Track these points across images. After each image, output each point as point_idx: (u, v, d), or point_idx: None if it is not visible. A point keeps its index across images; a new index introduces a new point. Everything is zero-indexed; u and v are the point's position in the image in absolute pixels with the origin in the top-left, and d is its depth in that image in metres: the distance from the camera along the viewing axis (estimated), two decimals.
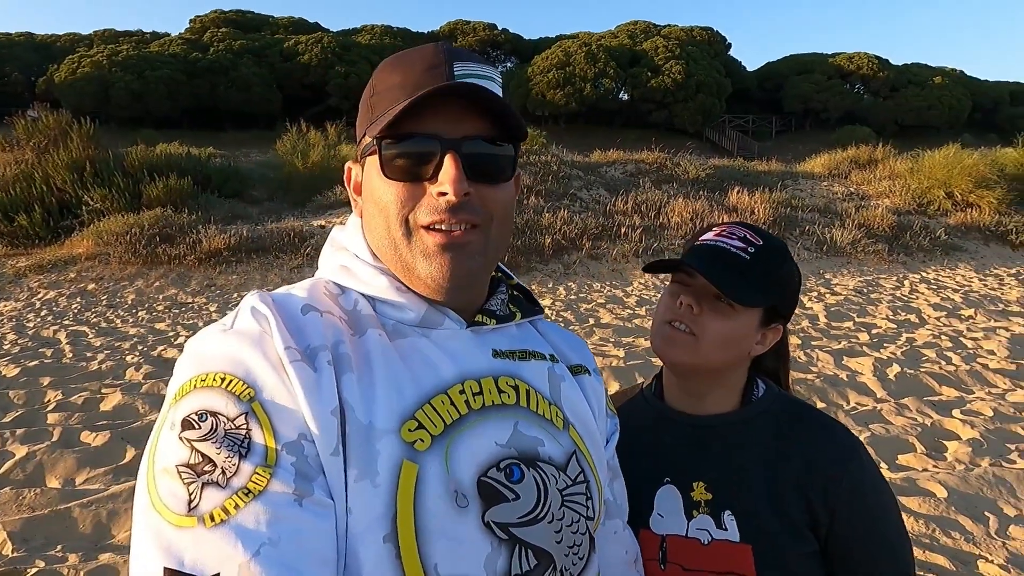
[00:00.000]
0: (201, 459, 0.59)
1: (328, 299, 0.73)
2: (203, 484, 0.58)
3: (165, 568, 0.55)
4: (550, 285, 9.93)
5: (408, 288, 0.74)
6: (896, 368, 5.53)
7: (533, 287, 9.74)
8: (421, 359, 0.71)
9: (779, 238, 1.08)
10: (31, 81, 32.01)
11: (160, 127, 27.23)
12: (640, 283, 10.01)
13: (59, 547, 2.91)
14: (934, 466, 3.74)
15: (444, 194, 0.68)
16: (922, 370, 5.47)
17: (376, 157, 0.71)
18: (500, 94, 0.73)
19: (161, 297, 9.11)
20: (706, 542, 0.96)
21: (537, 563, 0.68)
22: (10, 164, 13.11)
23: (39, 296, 9.18)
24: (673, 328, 0.99)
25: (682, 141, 22.28)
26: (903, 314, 7.97)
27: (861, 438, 4.02)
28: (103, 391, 5.09)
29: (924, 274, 11.01)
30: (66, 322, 7.86)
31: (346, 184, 0.81)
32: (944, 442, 4.07)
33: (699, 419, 1.04)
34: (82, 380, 5.45)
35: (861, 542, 0.95)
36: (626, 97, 33.79)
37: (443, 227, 0.69)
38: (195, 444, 0.59)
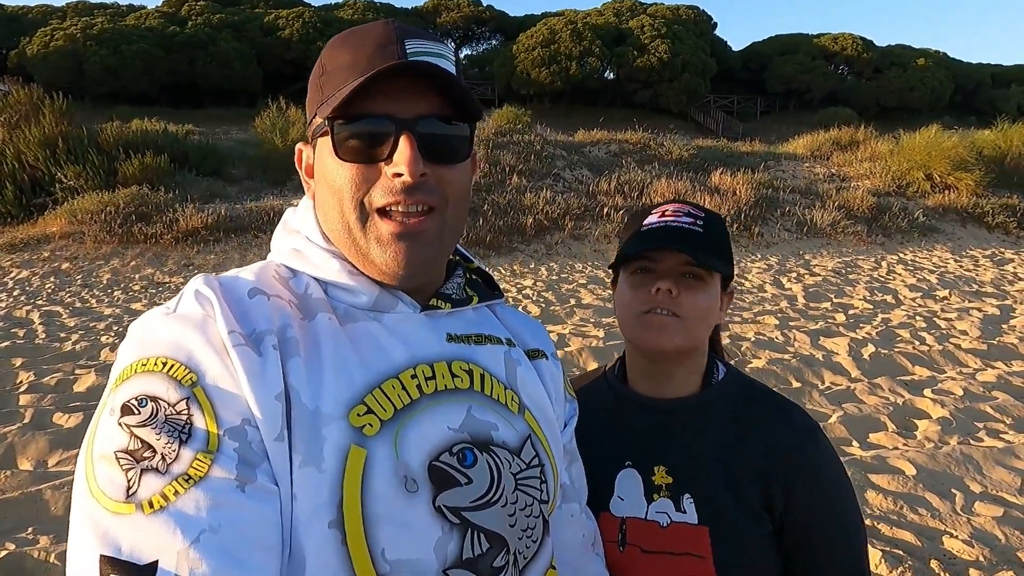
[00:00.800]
0: (140, 445, 0.57)
1: (277, 283, 0.72)
2: (142, 470, 0.56)
3: (101, 555, 0.54)
4: (532, 265, 9.92)
5: (360, 272, 0.73)
6: (871, 348, 5.61)
7: (515, 267, 9.73)
8: (372, 343, 0.70)
9: (715, 211, 1.10)
10: (2, 54, 31.13)
11: (137, 103, 26.66)
12: None
13: (30, 529, 2.88)
14: (904, 444, 3.81)
15: (399, 175, 0.67)
16: (896, 350, 5.56)
17: (328, 138, 0.69)
18: (454, 71, 0.71)
19: (137, 277, 8.98)
20: (664, 524, 0.97)
21: (490, 547, 0.68)
22: None
23: (11, 276, 9.02)
24: (656, 315, 0.99)
25: (667, 121, 22.31)
26: (880, 295, 8.08)
27: (834, 417, 4.10)
28: (77, 372, 5.02)
29: (902, 255, 11.14)
30: (39, 302, 7.73)
31: (298, 166, 0.79)
32: (915, 420, 4.14)
33: (661, 403, 1.05)
34: (55, 361, 5.38)
35: (819, 526, 0.96)
36: (612, 76, 33.58)
37: (399, 208, 0.68)
38: (134, 430, 0.58)
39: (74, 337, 6.11)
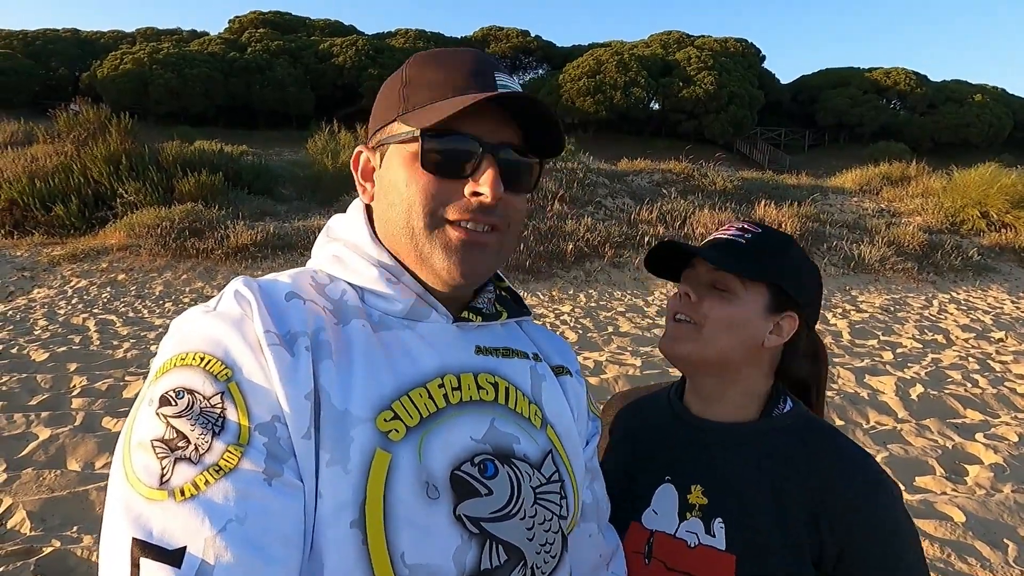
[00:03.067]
0: (175, 435, 0.60)
1: (313, 288, 0.74)
2: (176, 459, 0.59)
3: (134, 538, 0.56)
4: (571, 292, 9.92)
5: (398, 280, 0.75)
6: (919, 388, 5.41)
7: (553, 293, 9.74)
8: (403, 351, 0.72)
9: (787, 234, 1.07)
10: (75, 76, 32.93)
11: (196, 124, 27.80)
12: (661, 293, 9.95)
13: (75, 528, 2.98)
14: (953, 489, 3.65)
15: (479, 195, 0.70)
16: (946, 391, 5.35)
17: (408, 146, 0.72)
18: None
19: (188, 290, 9.29)
20: (692, 545, 0.95)
21: (507, 559, 0.69)
22: (51, 155, 13.50)
23: (71, 284, 9.43)
24: (676, 322, 1.00)
25: (712, 152, 22.13)
26: (930, 334, 7.80)
27: (879, 458, 3.96)
28: (127, 379, 5.20)
29: (954, 294, 10.76)
30: (95, 310, 8.06)
31: (353, 169, 0.82)
32: (965, 465, 3.97)
33: (710, 423, 1.02)
34: (107, 367, 5.58)
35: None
36: (656, 107, 33.64)
37: (468, 225, 0.71)
38: (171, 420, 0.61)
39: (126, 345, 6.34)
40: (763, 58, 38.18)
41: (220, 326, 0.66)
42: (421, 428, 0.68)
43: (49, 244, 11.19)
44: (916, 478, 3.79)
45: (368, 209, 0.80)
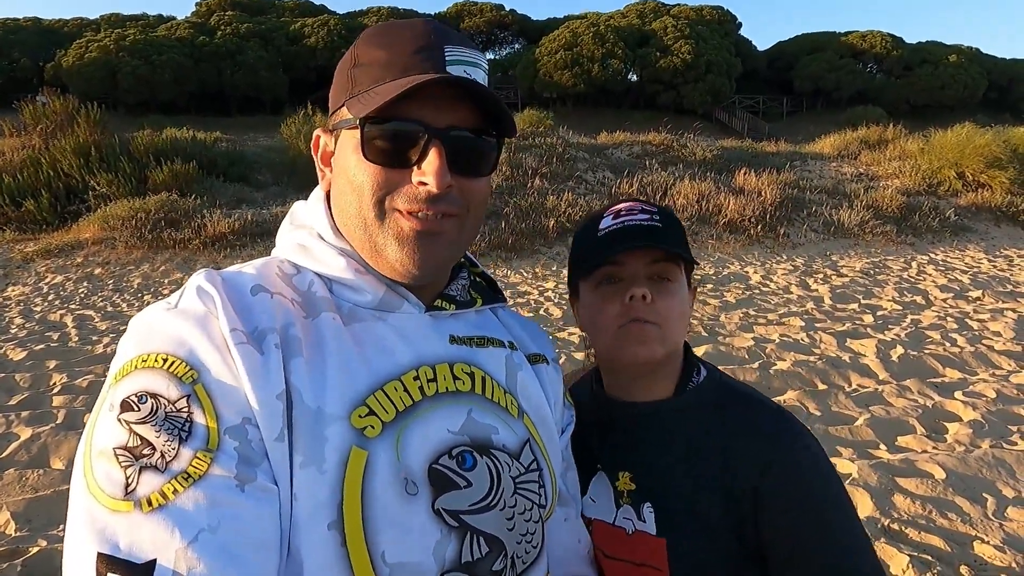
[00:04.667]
0: (140, 442, 0.57)
1: (280, 280, 0.71)
2: (141, 468, 0.56)
3: (99, 553, 0.53)
4: (554, 268, 9.91)
5: (367, 270, 0.72)
6: (900, 350, 5.49)
7: (536, 270, 9.73)
8: (375, 344, 0.70)
9: None
10: (39, 66, 32.02)
11: (167, 112, 27.24)
12: None
13: (61, 527, 2.95)
14: (933, 447, 3.72)
15: (425, 184, 0.67)
16: (926, 352, 5.43)
17: (354, 133, 0.68)
18: (485, 79, 0.72)
19: (167, 282, 9.16)
20: (630, 532, 0.94)
21: (489, 550, 0.68)
22: (17, 149, 13.17)
23: (46, 280, 9.26)
24: (636, 326, 0.93)
25: (691, 122, 22.11)
26: (909, 296, 7.91)
27: (861, 420, 4.02)
28: (107, 374, 5.14)
29: (932, 255, 10.90)
30: (73, 306, 7.93)
31: (314, 153, 0.79)
32: (945, 423, 4.05)
33: (631, 407, 1.00)
34: (87, 363, 5.51)
35: (800, 539, 0.86)
36: (635, 78, 33.42)
37: (420, 215, 0.68)
38: (133, 427, 0.58)
39: (105, 340, 6.26)
40: (739, 25, 37.98)
41: (183, 325, 0.63)
42: (398, 423, 0.66)
43: (21, 240, 10.97)
44: (898, 438, 3.86)
45: (329, 196, 0.77)
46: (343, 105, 0.71)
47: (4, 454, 3.67)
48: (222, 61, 30.50)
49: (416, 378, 0.69)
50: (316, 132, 0.78)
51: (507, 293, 8.22)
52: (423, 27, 0.70)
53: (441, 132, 0.67)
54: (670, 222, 0.97)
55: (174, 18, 37.17)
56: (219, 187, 12.72)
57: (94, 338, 6.38)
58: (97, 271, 9.60)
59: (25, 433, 3.92)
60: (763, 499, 0.88)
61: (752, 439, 0.91)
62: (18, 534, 2.90)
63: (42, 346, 6.07)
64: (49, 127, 13.50)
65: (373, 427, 0.64)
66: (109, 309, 7.78)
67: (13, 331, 6.79)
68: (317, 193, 0.79)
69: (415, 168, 0.67)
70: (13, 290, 8.86)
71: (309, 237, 0.75)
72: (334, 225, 0.74)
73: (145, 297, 8.40)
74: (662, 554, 0.91)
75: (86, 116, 13.45)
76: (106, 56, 29.11)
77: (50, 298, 8.39)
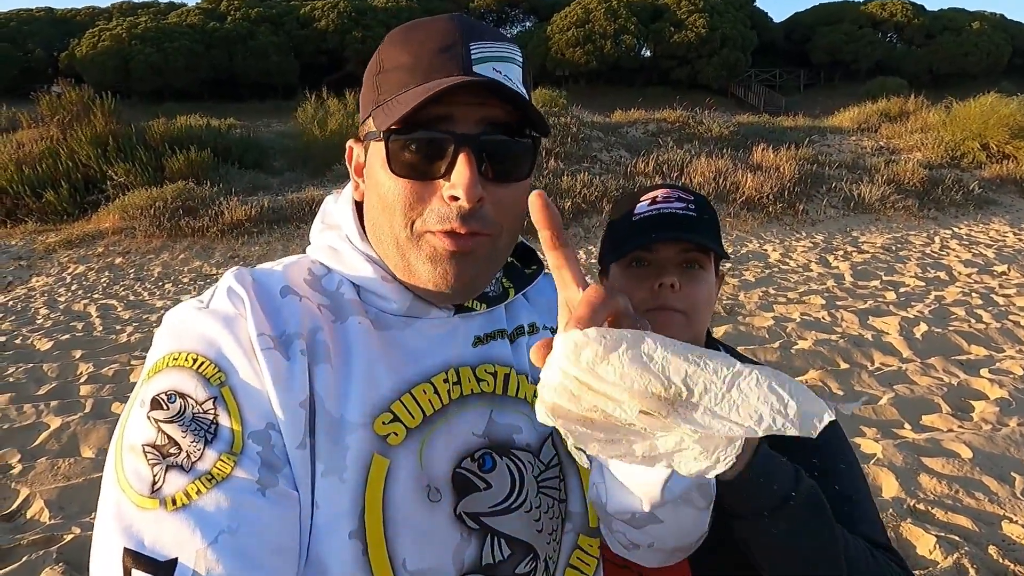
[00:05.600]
0: (167, 441, 0.58)
1: (308, 283, 0.70)
2: (167, 466, 0.57)
3: (125, 548, 0.55)
4: None
5: (394, 278, 0.70)
6: (923, 327, 5.42)
7: None
8: (402, 350, 0.69)
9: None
10: (53, 57, 32.19)
11: (181, 99, 27.33)
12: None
13: (93, 515, 3.01)
14: (959, 426, 3.68)
15: (456, 198, 0.63)
16: (951, 328, 5.36)
17: (381, 146, 0.65)
18: (521, 74, 0.67)
19: (186, 269, 9.25)
20: None
21: (512, 553, 0.67)
22: (36, 140, 13.30)
23: (69, 271, 9.39)
24: (663, 315, 0.94)
25: (706, 98, 21.80)
26: (932, 271, 7.79)
27: (884, 399, 3.98)
28: (132, 363, 5.22)
29: (956, 229, 10.70)
30: (95, 296, 8.04)
31: (347, 163, 0.76)
32: (971, 402, 3.99)
33: None
34: (112, 352, 5.60)
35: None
36: (648, 54, 32.96)
37: (451, 234, 0.65)
38: (162, 425, 0.59)
39: (129, 329, 6.34)
40: None
41: (213, 325, 0.63)
42: (424, 428, 0.66)
43: (43, 231, 11.12)
44: (922, 417, 3.82)
45: (360, 204, 0.75)
46: (370, 115, 0.69)
47: (35, 443, 3.75)
48: (233, 46, 30.49)
49: (446, 381, 0.69)
50: (348, 143, 0.76)
51: None
52: (447, 24, 0.66)
53: (470, 138, 0.63)
54: (704, 212, 0.98)
55: (185, 4, 37.12)
56: (234, 174, 12.78)
57: (118, 327, 6.47)
58: (118, 260, 9.71)
59: (55, 422, 4.00)
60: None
61: None
62: (52, 522, 2.96)
63: (67, 336, 6.17)
64: (66, 118, 13.59)
65: (396, 434, 0.64)
66: (131, 298, 7.89)
67: (39, 321, 6.90)
68: (347, 194, 0.77)
69: (444, 180, 0.64)
70: (37, 281, 8.99)
71: (339, 240, 0.74)
72: (362, 230, 0.73)
73: (165, 285, 8.49)
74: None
75: (101, 106, 13.52)
76: (119, 45, 29.22)
77: (73, 288, 8.51)
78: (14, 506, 3.10)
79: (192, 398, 0.59)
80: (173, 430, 0.58)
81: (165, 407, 0.59)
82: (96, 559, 0.57)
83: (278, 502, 0.59)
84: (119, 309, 7.32)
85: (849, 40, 33.69)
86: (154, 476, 0.57)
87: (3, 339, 6.17)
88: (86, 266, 9.54)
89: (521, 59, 0.69)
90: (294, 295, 0.68)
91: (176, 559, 0.54)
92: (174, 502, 0.56)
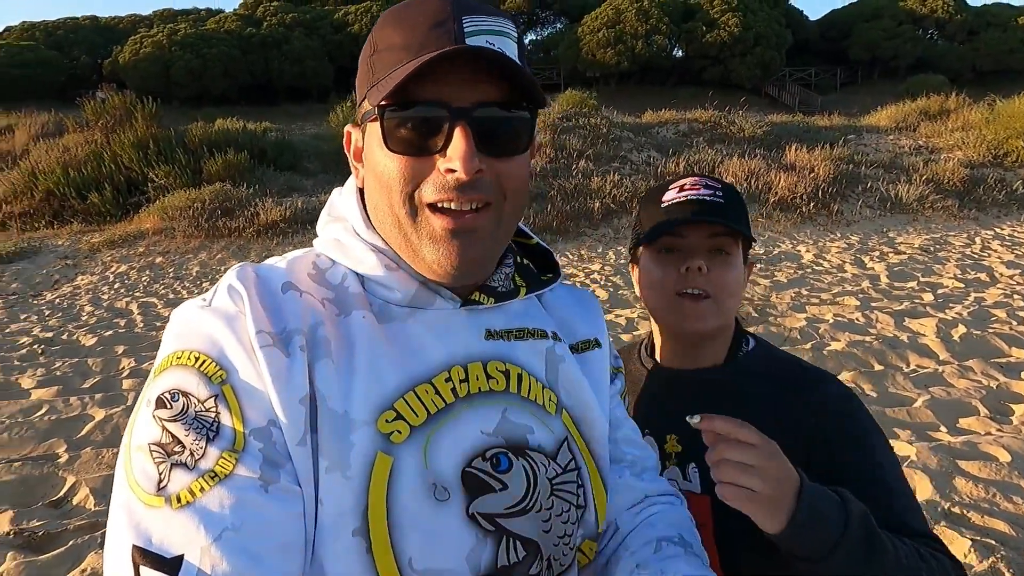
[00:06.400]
0: (171, 439, 0.59)
1: (312, 277, 0.70)
2: (172, 465, 0.58)
3: (133, 545, 0.56)
4: (599, 250, 9.85)
5: (399, 266, 0.69)
6: (962, 329, 5.29)
7: (582, 252, 9.68)
8: (407, 344, 0.68)
9: None
10: (97, 63, 33.25)
11: (218, 104, 27.95)
12: None
13: None
14: (998, 430, 3.59)
15: (453, 171, 0.62)
16: (990, 331, 5.22)
17: (377, 125, 0.65)
18: (516, 49, 0.66)
19: (223, 269, 9.48)
20: None
21: (525, 554, 0.66)
22: (81, 144, 13.76)
23: (112, 270, 9.70)
24: (690, 299, 0.98)
25: (739, 98, 21.51)
26: (973, 273, 7.59)
27: (919, 401, 3.91)
28: None
29: (998, 230, 10.40)
30: (137, 294, 8.30)
31: (346, 149, 0.76)
32: (1011, 405, 3.90)
33: (682, 373, 1.05)
34: (152, 348, 5.77)
35: (846, 467, 0.90)
36: (680, 54, 32.66)
37: (451, 206, 0.64)
38: (166, 424, 0.59)
39: None
40: None
41: (215, 323, 0.63)
42: (428, 427, 0.64)
43: (88, 232, 11.50)
44: (959, 419, 3.74)
45: (363, 191, 0.74)
46: (365, 96, 0.68)
47: (81, 434, 3.90)
48: (269, 51, 31.10)
49: (448, 379, 0.67)
50: (347, 128, 0.76)
51: None
52: (439, 2, 0.64)
53: (465, 111, 0.62)
54: (732, 198, 1.01)
55: (222, 11, 37.99)
56: (270, 176, 13.04)
57: (157, 324, 6.67)
58: (158, 260, 10.00)
59: (99, 414, 4.15)
60: (814, 444, 0.91)
61: (798, 394, 0.96)
62: (96, 508, 3.08)
63: (110, 332, 6.38)
64: (109, 122, 14.04)
65: (400, 432, 0.63)
66: (171, 296, 8.12)
67: (84, 318, 7.16)
68: (351, 185, 0.76)
69: (441, 155, 0.63)
70: (82, 279, 9.31)
71: (344, 232, 0.73)
72: (367, 219, 0.72)
73: (203, 284, 8.72)
74: (707, 510, 0.95)
75: (143, 111, 13.94)
76: (159, 51, 30.03)
77: (116, 286, 8.79)
78: (61, 493, 3.24)
79: (194, 396, 0.60)
80: (177, 429, 0.59)
81: (169, 406, 0.60)
82: (108, 556, 0.58)
83: (281, 498, 0.59)
84: (159, 307, 7.55)
85: (888, 37, 32.92)
86: (160, 474, 0.58)
87: (50, 335, 6.42)
88: (128, 265, 9.84)
89: (516, 34, 0.67)
90: (295, 291, 0.67)
91: (182, 556, 0.55)
92: (179, 500, 0.57)
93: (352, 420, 0.62)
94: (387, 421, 0.63)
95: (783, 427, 0.92)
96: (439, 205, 0.64)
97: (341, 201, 0.77)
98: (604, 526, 0.79)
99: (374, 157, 0.67)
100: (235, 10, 36.82)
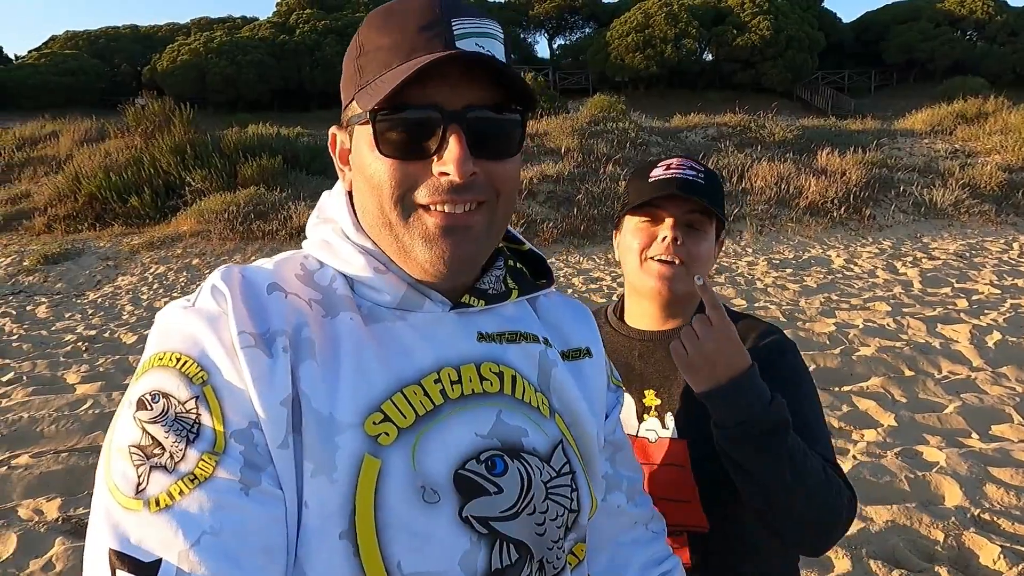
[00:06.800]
0: (151, 441, 0.58)
1: (299, 278, 0.69)
2: (151, 467, 0.57)
3: (111, 549, 0.55)
4: None
5: (388, 268, 0.69)
6: (996, 336, 5.20)
7: (609, 256, 9.70)
8: (395, 346, 0.67)
9: None
10: (137, 71, 34.25)
11: (252, 109, 28.58)
12: None
13: None
14: None
15: (447, 174, 0.62)
16: None
17: (367, 128, 0.64)
18: (502, 50, 0.66)
19: None
20: (653, 440, 1.11)
21: (519, 557, 0.66)
22: (122, 149, 14.20)
23: (151, 271, 10.00)
24: (662, 263, 1.09)
25: (770, 102, 21.31)
26: (1009, 279, 7.43)
27: (951, 407, 3.88)
28: None
29: None
30: (175, 294, 8.54)
31: (331, 152, 0.75)
32: None
33: (653, 334, 1.15)
34: None
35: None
36: (710, 58, 32.47)
37: (445, 208, 0.64)
38: (146, 426, 0.58)
39: None
40: None
41: (197, 324, 0.62)
42: (416, 428, 0.63)
43: (128, 234, 11.85)
44: (992, 427, 3.70)
45: (351, 194, 0.73)
46: (353, 99, 0.67)
47: None
48: (301, 58, 31.71)
49: (437, 381, 0.66)
50: (331, 130, 0.74)
51: (579, 279, 8.26)
52: (425, 2, 0.64)
53: (458, 115, 0.62)
54: (712, 181, 1.13)
55: (257, 19, 38.83)
56: (302, 180, 13.29)
57: None
58: (195, 261, 10.27)
59: None
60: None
61: (757, 346, 1.09)
62: None
63: (150, 331, 6.58)
64: (148, 128, 14.45)
65: (387, 434, 0.62)
66: None
67: (124, 317, 7.40)
68: (339, 188, 0.76)
69: (435, 158, 0.63)
70: (123, 280, 9.62)
71: (332, 234, 0.72)
72: (356, 221, 0.71)
73: None
74: (684, 453, 1.07)
75: (180, 116, 14.33)
76: (196, 58, 30.83)
77: (155, 287, 9.06)
78: None
79: (175, 398, 0.59)
80: (156, 430, 0.58)
81: (149, 407, 0.59)
82: (87, 558, 0.57)
83: (262, 501, 0.58)
84: None
85: (925, 39, 32.30)
86: (139, 477, 0.57)
87: (93, 332, 6.66)
88: (166, 266, 10.13)
89: (501, 35, 0.68)
90: (280, 291, 0.67)
91: (160, 560, 0.54)
92: (157, 503, 0.56)
93: (338, 422, 0.61)
94: (374, 423, 0.62)
95: None
96: (432, 206, 0.64)
97: (330, 203, 0.76)
98: (596, 554, 0.84)
99: (363, 160, 0.66)
100: (269, 18, 37.60)
